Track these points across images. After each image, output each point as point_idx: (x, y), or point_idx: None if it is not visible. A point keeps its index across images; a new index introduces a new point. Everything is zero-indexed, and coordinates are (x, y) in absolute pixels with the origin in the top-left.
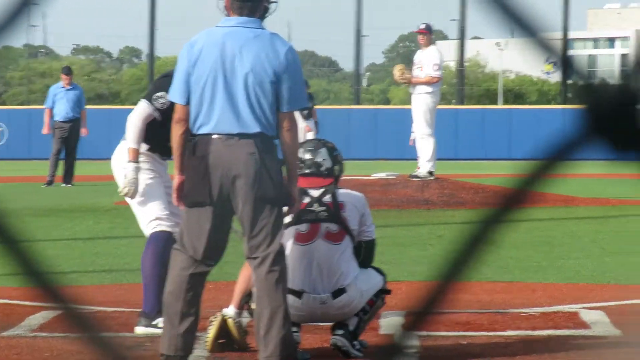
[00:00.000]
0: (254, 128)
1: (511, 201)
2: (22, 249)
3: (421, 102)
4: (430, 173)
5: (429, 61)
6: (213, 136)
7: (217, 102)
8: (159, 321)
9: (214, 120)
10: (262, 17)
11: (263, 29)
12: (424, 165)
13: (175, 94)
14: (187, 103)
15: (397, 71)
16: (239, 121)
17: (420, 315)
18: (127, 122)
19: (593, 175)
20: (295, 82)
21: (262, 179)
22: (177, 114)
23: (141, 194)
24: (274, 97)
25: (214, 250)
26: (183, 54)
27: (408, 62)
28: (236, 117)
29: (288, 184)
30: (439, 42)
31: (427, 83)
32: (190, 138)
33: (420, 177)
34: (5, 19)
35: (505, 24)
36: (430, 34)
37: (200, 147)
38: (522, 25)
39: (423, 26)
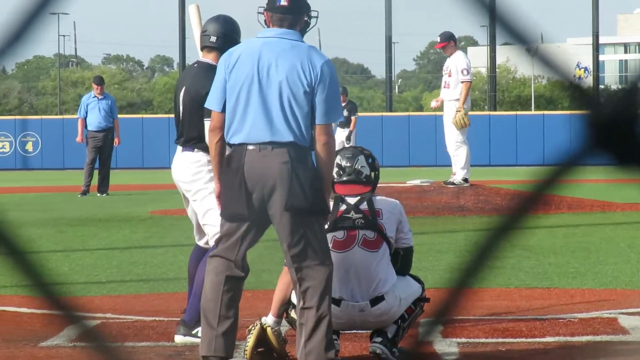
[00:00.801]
0: (287, 137)
1: (523, 207)
2: (28, 260)
3: (452, 110)
4: (465, 180)
5: (457, 67)
6: (247, 147)
7: (251, 109)
8: (198, 330)
9: (247, 128)
10: (302, 31)
11: (302, 41)
12: (459, 172)
13: (212, 102)
14: (223, 110)
15: (457, 121)
16: (272, 129)
17: (435, 323)
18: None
19: (628, 181)
20: (330, 94)
21: (296, 189)
22: (213, 122)
23: (211, 205)
24: (310, 109)
25: (246, 251)
26: (221, 63)
27: (439, 69)
28: (269, 126)
29: None
30: (469, 49)
31: (467, 91)
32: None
33: (455, 184)
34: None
35: (506, 36)
36: (451, 42)
37: (235, 159)
38: (517, 36)
39: (439, 39)
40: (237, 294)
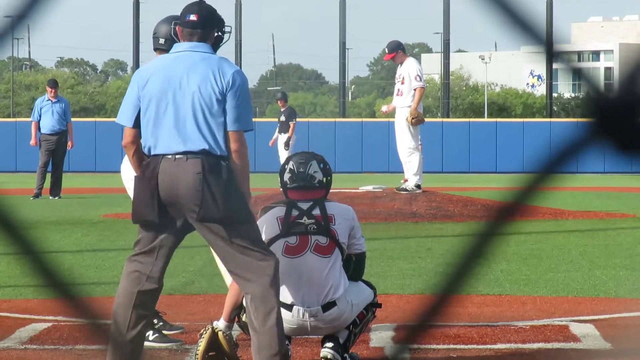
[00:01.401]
0: (200, 146)
1: (506, 214)
2: (44, 260)
3: (404, 116)
4: (418, 186)
5: (409, 74)
6: (162, 156)
7: (164, 122)
8: (150, 334)
9: (161, 140)
10: (215, 45)
11: (212, 53)
12: (411, 178)
13: (122, 117)
14: (134, 126)
15: (411, 119)
16: (184, 140)
17: (416, 329)
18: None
19: (581, 188)
20: (240, 102)
21: (208, 200)
22: (126, 138)
23: None
24: (223, 118)
25: (163, 264)
26: (134, 79)
27: (392, 75)
28: (182, 136)
29: None
30: (423, 56)
31: (420, 96)
32: (143, 158)
33: (408, 190)
34: None
35: (508, 27)
36: (399, 52)
37: (150, 168)
38: (525, 27)
39: (387, 51)
40: (149, 305)
